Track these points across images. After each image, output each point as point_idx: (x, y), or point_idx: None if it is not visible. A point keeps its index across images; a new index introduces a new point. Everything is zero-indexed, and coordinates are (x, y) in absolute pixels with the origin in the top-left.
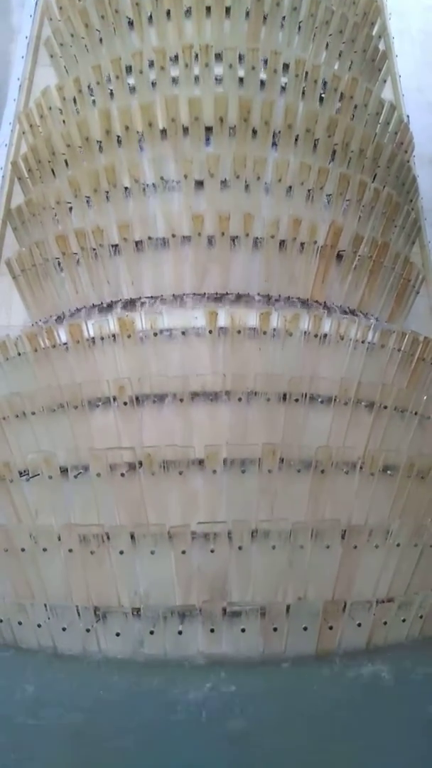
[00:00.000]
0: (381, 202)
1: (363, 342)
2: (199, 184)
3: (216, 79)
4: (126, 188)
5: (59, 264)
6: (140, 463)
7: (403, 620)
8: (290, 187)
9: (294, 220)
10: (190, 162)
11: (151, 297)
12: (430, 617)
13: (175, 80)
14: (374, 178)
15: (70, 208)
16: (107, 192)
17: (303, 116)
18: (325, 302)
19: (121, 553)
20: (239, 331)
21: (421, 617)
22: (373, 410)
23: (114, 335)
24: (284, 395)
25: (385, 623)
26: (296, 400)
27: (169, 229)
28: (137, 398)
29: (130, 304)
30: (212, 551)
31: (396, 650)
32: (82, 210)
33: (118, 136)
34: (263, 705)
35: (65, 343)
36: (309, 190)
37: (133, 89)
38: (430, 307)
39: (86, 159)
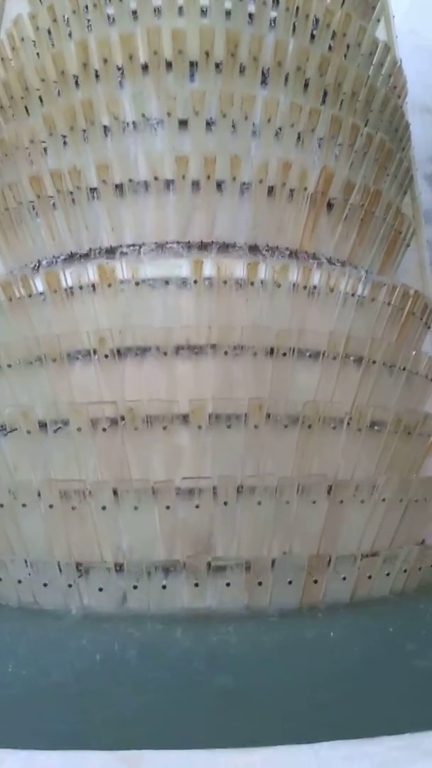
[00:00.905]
0: (373, 148)
1: (353, 295)
2: (183, 123)
3: (202, 10)
4: (105, 127)
5: (34, 208)
6: (122, 418)
7: (387, 574)
8: (280, 129)
9: (284, 164)
10: (173, 99)
11: (133, 245)
12: (413, 571)
13: (157, 11)
14: (366, 123)
15: (45, 149)
16: (84, 131)
17: (294, 53)
18: (314, 253)
19: (104, 508)
20: (225, 282)
21: (405, 571)
22: (362, 365)
23: (93, 284)
24: (271, 349)
25: (370, 577)
26: (284, 354)
27: (152, 172)
28: (119, 351)
29: (110, 251)
30: (197, 507)
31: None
32: (58, 150)
33: (96, 71)
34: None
35: (42, 293)
36: (299, 133)
37: (112, 19)
38: (419, 261)
39: (62, 95)
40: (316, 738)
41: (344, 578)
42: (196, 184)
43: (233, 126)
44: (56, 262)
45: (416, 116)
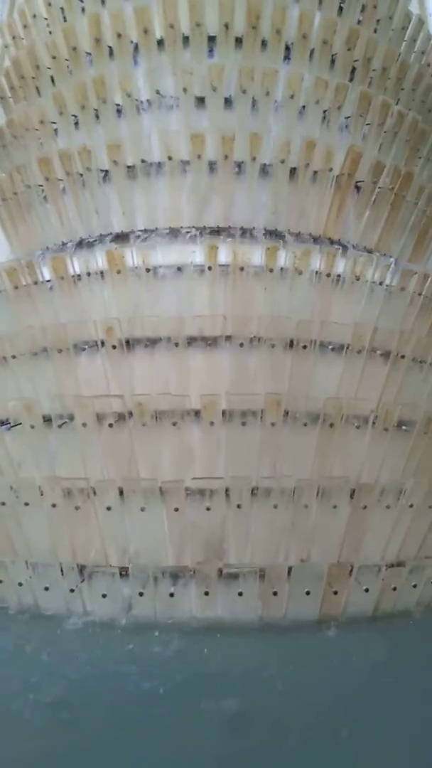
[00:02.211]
0: (405, 127)
1: (380, 284)
2: (200, 100)
3: None
4: (117, 105)
5: (43, 192)
6: (130, 413)
7: (414, 585)
8: (303, 107)
9: (307, 143)
10: (190, 74)
11: (145, 230)
12: None
13: None
14: (398, 101)
15: (56, 130)
16: (96, 110)
17: (320, 26)
18: (339, 239)
19: (109, 509)
20: (242, 269)
21: None
22: (389, 360)
23: (102, 272)
24: (291, 341)
25: (395, 589)
26: (304, 347)
27: (166, 152)
28: (127, 342)
29: (121, 237)
30: (208, 509)
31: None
32: (69, 131)
33: (110, 47)
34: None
35: (48, 280)
36: (324, 111)
37: None
38: None
39: (74, 73)
40: None
41: (367, 589)
42: (212, 165)
43: (253, 103)
44: (64, 248)
45: None
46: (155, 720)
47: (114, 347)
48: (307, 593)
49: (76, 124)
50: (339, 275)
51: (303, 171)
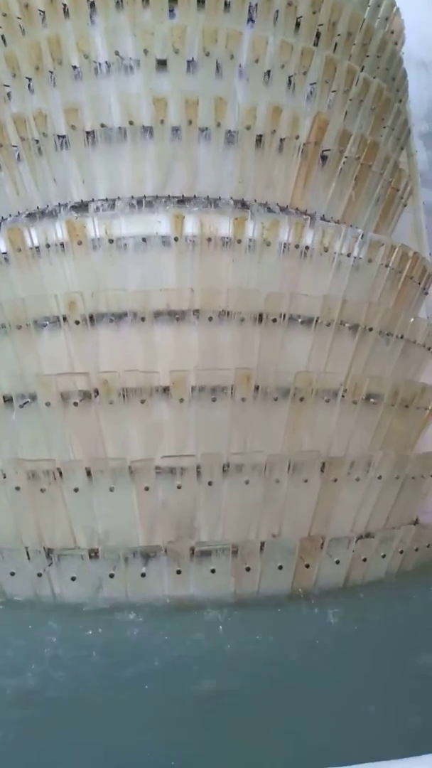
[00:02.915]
0: (370, 95)
1: (349, 255)
2: (162, 63)
3: None
4: (74, 67)
5: None
6: (96, 391)
7: (383, 556)
8: (269, 72)
9: (273, 108)
10: (151, 35)
11: (106, 199)
12: (410, 552)
13: None
14: (363, 68)
15: (9, 93)
16: (52, 72)
17: None
18: (306, 210)
19: (76, 490)
20: (209, 240)
21: (401, 552)
22: (358, 333)
23: (62, 243)
24: (260, 315)
25: (365, 560)
26: (273, 321)
27: (127, 117)
28: (91, 317)
29: (81, 207)
30: (179, 487)
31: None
32: (22, 94)
33: (65, 4)
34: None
35: (4, 253)
36: (290, 77)
37: None
38: (416, 223)
39: (26, 32)
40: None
41: (338, 561)
42: (176, 131)
43: (217, 67)
44: (21, 218)
45: (411, 71)
46: (130, 703)
47: (77, 323)
48: (280, 568)
49: (30, 87)
50: (307, 246)
51: (269, 138)
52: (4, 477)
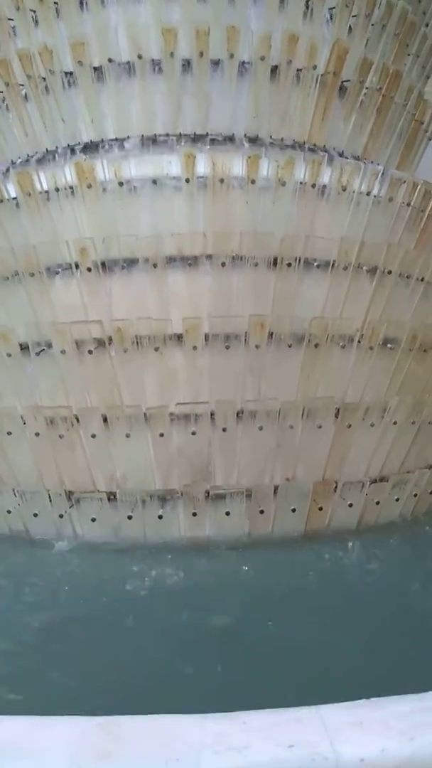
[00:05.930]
0: (394, 19)
1: (368, 194)
2: None
3: None
4: None
5: (3, 100)
6: (110, 339)
7: (397, 499)
8: None
9: (289, 36)
10: None
11: (116, 139)
12: (424, 495)
13: None
14: None
15: (13, 28)
16: (56, 3)
17: None
18: (324, 146)
19: (94, 436)
20: (222, 180)
21: (415, 495)
22: (376, 276)
23: (72, 187)
24: (275, 259)
25: (378, 503)
26: (288, 265)
27: (135, 50)
28: (103, 264)
29: (91, 147)
30: (193, 433)
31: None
32: (27, 28)
33: None
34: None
35: (14, 198)
36: (307, 1)
37: None
38: None
39: None
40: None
41: (351, 505)
42: (187, 64)
43: None
44: (29, 162)
45: None
46: (146, 637)
47: (89, 270)
48: (293, 510)
49: (35, 20)
50: (324, 185)
51: (285, 69)
52: (24, 423)
